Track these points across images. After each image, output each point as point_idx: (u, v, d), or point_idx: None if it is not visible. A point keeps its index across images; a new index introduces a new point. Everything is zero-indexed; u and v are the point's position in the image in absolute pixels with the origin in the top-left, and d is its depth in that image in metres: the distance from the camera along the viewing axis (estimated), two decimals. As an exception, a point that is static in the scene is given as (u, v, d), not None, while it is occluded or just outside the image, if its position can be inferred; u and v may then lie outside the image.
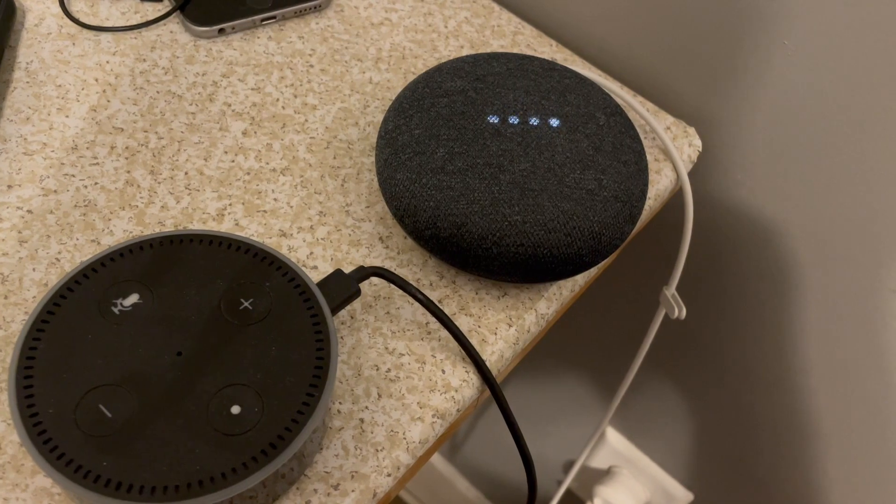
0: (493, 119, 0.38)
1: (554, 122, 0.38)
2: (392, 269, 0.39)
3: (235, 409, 0.28)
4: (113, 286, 0.31)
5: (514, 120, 0.38)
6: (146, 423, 0.28)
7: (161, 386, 0.29)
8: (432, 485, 1.22)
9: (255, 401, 0.29)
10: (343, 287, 0.34)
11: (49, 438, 0.27)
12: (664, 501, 0.81)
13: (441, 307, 0.38)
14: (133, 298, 0.31)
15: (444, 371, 0.36)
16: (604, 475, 0.84)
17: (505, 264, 0.36)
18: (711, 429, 0.70)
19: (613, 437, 0.80)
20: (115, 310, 0.30)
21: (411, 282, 0.39)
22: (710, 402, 0.68)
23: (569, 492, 0.94)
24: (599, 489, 0.83)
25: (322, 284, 0.34)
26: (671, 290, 0.52)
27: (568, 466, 0.92)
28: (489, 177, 0.36)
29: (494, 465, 1.08)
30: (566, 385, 0.82)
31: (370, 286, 0.38)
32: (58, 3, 0.47)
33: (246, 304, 0.31)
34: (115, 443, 0.27)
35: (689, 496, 0.78)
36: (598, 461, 0.84)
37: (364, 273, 0.35)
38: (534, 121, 0.38)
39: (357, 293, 0.35)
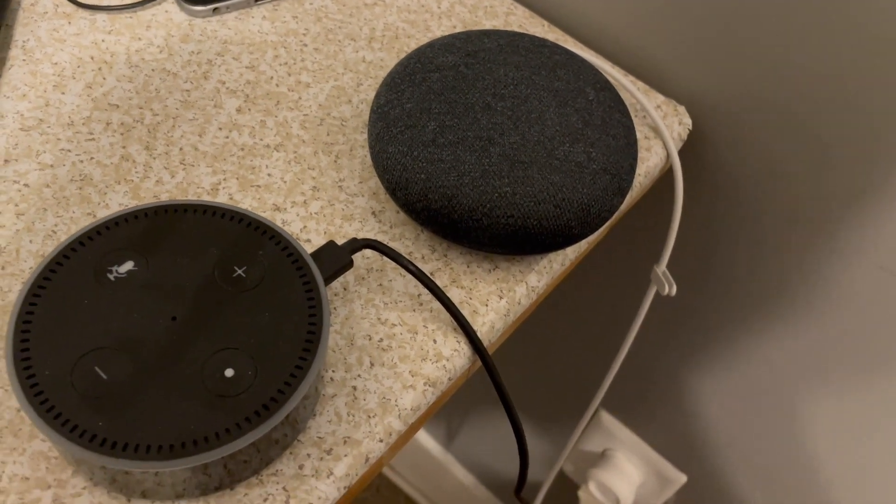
0: (484, 93, 0.38)
1: (544, 97, 0.39)
2: (385, 243, 0.39)
3: (229, 372, 0.29)
4: (108, 254, 0.31)
5: (504, 94, 0.38)
6: (141, 384, 0.28)
7: (156, 349, 0.29)
8: (429, 472, 1.22)
9: (249, 365, 0.29)
10: (336, 258, 0.35)
11: (45, 399, 0.27)
12: (658, 483, 0.82)
13: (433, 279, 0.38)
14: (128, 265, 0.31)
15: (435, 341, 0.37)
16: (598, 458, 0.85)
17: (495, 235, 0.36)
18: (705, 410, 0.70)
19: (607, 419, 0.81)
20: (111, 276, 0.31)
21: (403, 254, 0.39)
22: (702, 383, 0.68)
23: (564, 476, 0.94)
24: (594, 472, 0.83)
25: (315, 255, 0.35)
26: (662, 268, 0.53)
27: (561, 450, 0.93)
28: (479, 149, 0.36)
29: (490, 453, 1.09)
30: (557, 367, 0.83)
31: (363, 259, 0.39)
32: (53, -17, 0.47)
33: (239, 271, 0.32)
34: (110, 404, 0.28)
35: (683, 478, 0.79)
36: (592, 444, 0.85)
37: (357, 245, 0.36)
38: (524, 95, 0.39)
39: (350, 264, 0.35)
